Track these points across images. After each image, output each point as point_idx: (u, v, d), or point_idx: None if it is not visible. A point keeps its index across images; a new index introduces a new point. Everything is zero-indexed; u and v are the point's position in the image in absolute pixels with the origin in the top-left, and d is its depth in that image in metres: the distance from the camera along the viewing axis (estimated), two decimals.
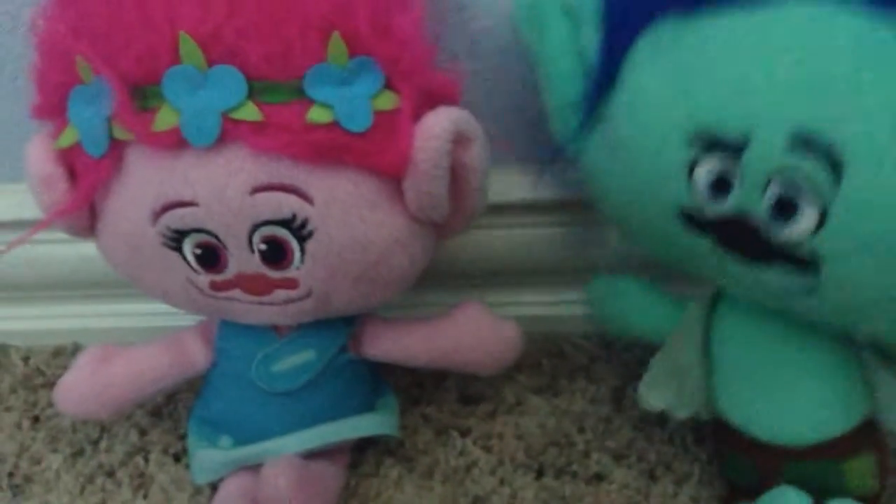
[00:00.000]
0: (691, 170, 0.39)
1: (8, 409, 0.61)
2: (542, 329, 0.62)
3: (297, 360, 0.49)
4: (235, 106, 0.39)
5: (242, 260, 0.43)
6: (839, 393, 0.45)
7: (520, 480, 0.52)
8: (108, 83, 0.40)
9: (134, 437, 0.57)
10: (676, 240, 0.42)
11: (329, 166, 0.41)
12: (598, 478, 0.52)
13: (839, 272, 0.37)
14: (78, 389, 0.51)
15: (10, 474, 0.55)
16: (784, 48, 0.37)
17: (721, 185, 0.39)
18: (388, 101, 0.42)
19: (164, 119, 0.40)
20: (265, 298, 0.45)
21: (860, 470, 0.46)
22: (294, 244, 0.42)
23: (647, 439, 0.54)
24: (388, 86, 0.42)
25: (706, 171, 0.39)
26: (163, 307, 0.60)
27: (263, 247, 0.42)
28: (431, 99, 0.43)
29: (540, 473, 0.53)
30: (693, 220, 0.41)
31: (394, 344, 0.52)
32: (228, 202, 0.41)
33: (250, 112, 0.40)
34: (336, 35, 0.40)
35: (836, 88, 0.36)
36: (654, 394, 0.49)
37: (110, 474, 0.55)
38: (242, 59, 0.39)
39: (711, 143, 0.38)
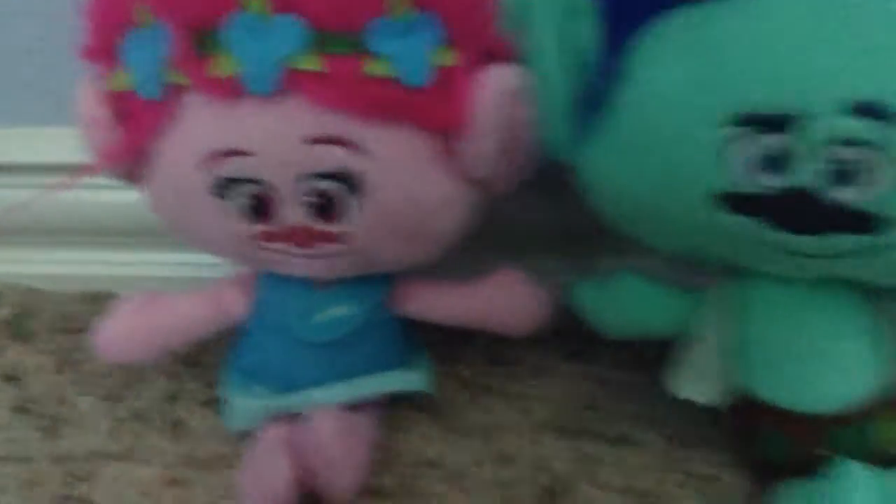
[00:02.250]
0: (733, 150, 0.39)
1: (40, 352, 0.62)
2: (565, 295, 0.63)
3: (337, 312, 0.50)
4: (297, 56, 0.39)
5: (292, 212, 0.43)
6: (873, 351, 0.45)
7: (546, 440, 0.53)
8: (168, 26, 0.40)
9: (165, 384, 0.58)
10: (712, 227, 0.42)
11: (386, 122, 0.41)
12: (623, 440, 0.53)
13: None
14: (118, 334, 0.52)
15: (43, 415, 0.56)
16: (831, 18, 0.36)
17: (772, 162, 0.39)
18: (448, 57, 0.42)
19: (224, 66, 0.40)
20: (311, 251, 0.45)
21: (892, 427, 0.46)
22: (345, 198, 0.43)
23: (671, 406, 0.54)
24: (449, 42, 0.42)
25: (752, 149, 0.39)
26: (194, 257, 0.61)
27: (314, 199, 0.43)
28: (489, 56, 0.43)
29: (565, 434, 0.54)
30: (738, 203, 0.40)
31: (431, 303, 0.53)
32: (284, 152, 0.41)
33: (312, 62, 0.39)
34: None
35: (891, 57, 0.36)
36: (683, 384, 0.49)
37: (141, 419, 0.56)
38: (306, 9, 0.39)
39: (757, 122, 0.38)
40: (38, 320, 0.65)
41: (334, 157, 0.41)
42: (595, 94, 0.44)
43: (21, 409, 0.56)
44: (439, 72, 0.41)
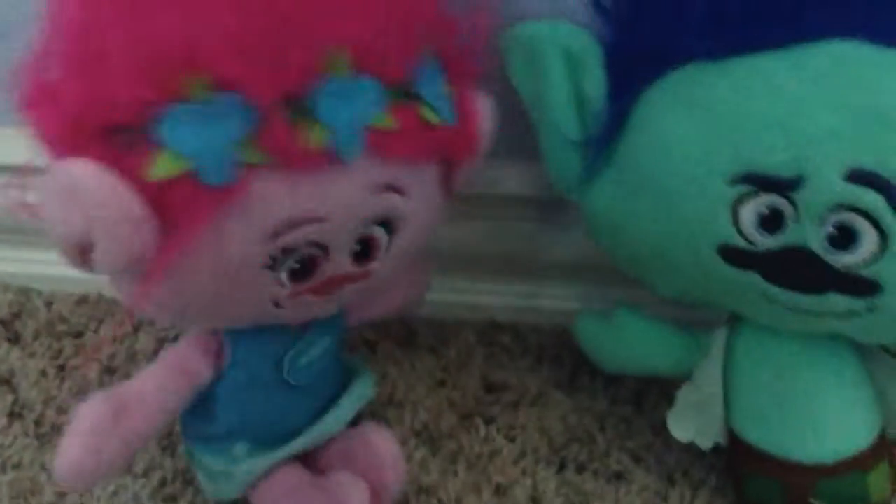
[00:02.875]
0: (735, 207, 0.40)
1: (32, 356, 0.61)
2: (563, 322, 0.63)
3: (319, 348, 0.49)
4: (378, 116, 0.39)
5: (339, 264, 0.42)
6: (864, 405, 0.47)
7: (542, 473, 0.54)
8: (250, 102, 0.36)
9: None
10: (715, 277, 0.43)
11: (426, 162, 0.42)
12: (618, 477, 0.54)
13: None
14: (94, 462, 0.43)
15: (37, 422, 0.56)
16: (834, 85, 0.38)
17: (772, 220, 0.40)
18: (450, 91, 0.44)
19: (317, 135, 0.37)
20: (332, 296, 0.44)
21: (881, 478, 0.48)
22: (384, 240, 0.43)
23: (666, 443, 0.55)
24: (448, 78, 0.44)
25: (756, 207, 0.40)
26: None
27: (358, 247, 0.42)
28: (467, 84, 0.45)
29: (562, 467, 0.54)
30: (738, 256, 0.42)
31: (365, 310, 0.53)
32: (354, 210, 0.40)
33: (387, 120, 0.39)
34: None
35: (891, 127, 0.37)
36: (683, 427, 0.50)
37: None
38: (379, 67, 0.38)
39: (761, 182, 0.39)
40: (31, 321, 0.64)
41: (389, 205, 0.41)
42: (600, 140, 0.45)
43: (14, 415, 0.56)
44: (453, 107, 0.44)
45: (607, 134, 0.45)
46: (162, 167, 0.36)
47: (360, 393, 0.53)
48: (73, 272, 0.67)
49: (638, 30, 0.44)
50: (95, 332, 0.64)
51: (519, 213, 0.63)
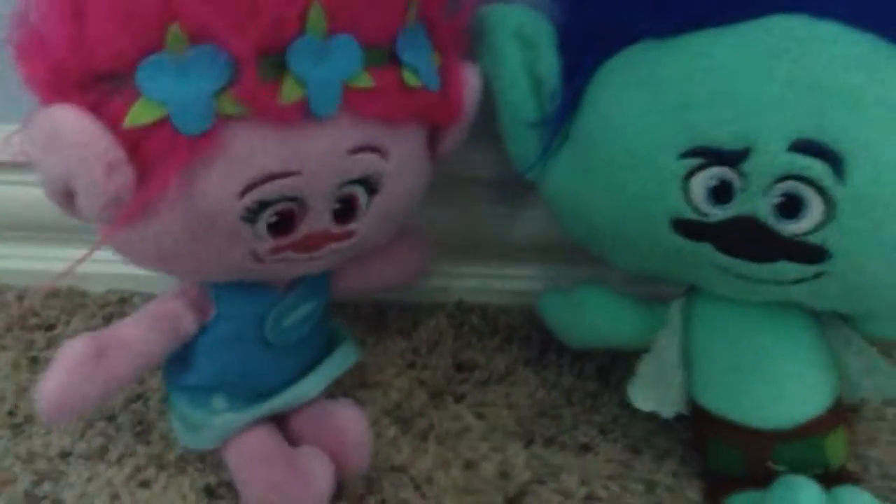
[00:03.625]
0: (686, 181, 0.42)
1: (4, 349, 0.62)
2: (531, 302, 0.65)
3: (303, 311, 0.51)
4: (354, 75, 0.40)
5: (317, 220, 0.43)
6: (819, 371, 0.48)
7: (510, 448, 0.55)
8: (225, 55, 0.37)
9: (133, 384, 0.58)
10: (669, 250, 0.44)
11: (407, 125, 0.44)
12: (585, 449, 0.55)
13: (846, 260, 0.41)
14: (73, 398, 0.45)
15: (10, 413, 0.56)
16: (778, 59, 0.39)
17: (722, 192, 0.41)
18: (436, 58, 0.45)
19: (291, 91, 0.38)
20: (318, 253, 0.45)
21: (837, 443, 0.49)
22: (364, 199, 0.44)
23: (632, 416, 0.57)
24: (436, 46, 0.45)
25: (705, 180, 0.41)
26: None
27: (338, 205, 0.43)
28: (457, 54, 0.47)
29: (530, 442, 0.55)
30: (691, 228, 0.43)
31: (355, 280, 0.54)
32: (330, 167, 0.41)
33: (364, 80, 0.40)
34: (415, 1, 0.42)
35: (837, 99, 0.39)
36: (644, 397, 0.51)
37: (111, 419, 0.56)
38: (357, 27, 0.40)
39: (710, 155, 0.41)
40: (3, 316, 0.65)
41: (369, 164, 0.42)
42: (555, 119, 0.46)
43: None
44: (438, 74, 0.45)
45: (562, 113, 0.46)
46: (138, 114, 0.37)
47: (341, 360, 0.54)
48: (44, 266, 0.68)
49: (588, 10, 0.45)
50: (67, 324, 0.64)
51: (485, 195, 0.64)
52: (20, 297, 0.67)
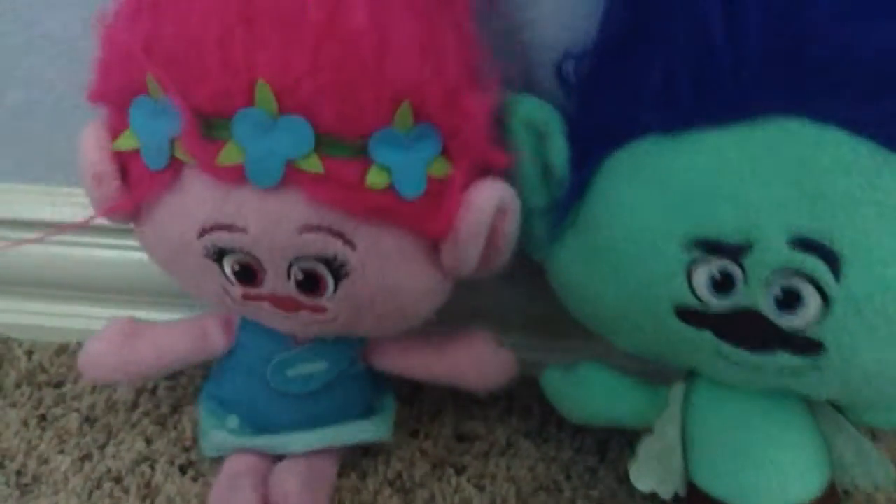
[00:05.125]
0: (689, 271, 0.43)
1: (13, 405, 0.62)
2: (531, 372, 0.66)
3: (311, 368, 0.53)
4: (301, 156, 0.41)
5: (278, 283, 0.46)
6: (814, 455, 0.50)
7: None
8: (177, 109, 0.41)
9: (140, 445, 0.59)
10: (672, 335, 0.46)
11: (371, 221, 0.44)
12: None
13: (839, 354, 0.42)
14: (105, 359, 0.54)
15: (19, 472, 0.57)
16: (778, 158, 0.41)
17: (723, 283, 0.43)
18: (441, 168, 0.44)
19: (230, 155, 0.42)
20: (294, 316, 0.47)
21: None
22: (329, 279, 0.45)
23: (629, 493, 0.57)
24: (445, 153, 0.44)
25: (707, 271, 0.43)
26: (167, 316, 0.62)
27: (300, 276, 0.45)
28: (481, 168, 0.46)
29: None
30: (693, 316, 0.45)
31: (400, 359, 0.56)
32: (277, 237, 0.43)
33: (313, 164, 0.42)
34: (406, 104, 0.42)
35: (835, 201, 0.40)
36: (643, 477, 0.51)
37: (118, 481, 0.56)
38: (314, 113, 0.41)
39: (712, 247, 0.42)
40: (12, 371, 0.65)
41: (324, 245, 0.44)
42: (563, 206, 0.48)
43: None
44: (433, 182, 0.44)
45: (570, 200, 0.48)
46: (122, 142, 0.45)
47: (357, 432, 0.56)
48: (53, 322, 0.69)
49: (598, 104, 0.47)
50: (75, 382, 0.65)
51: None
52: (29, 353, 0.67)
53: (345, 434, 0.55)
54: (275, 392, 0.53)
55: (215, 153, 0.42)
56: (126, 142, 0.45)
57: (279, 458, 0.55)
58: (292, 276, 0.45)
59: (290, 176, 0.42)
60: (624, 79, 0.45)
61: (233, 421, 0.55)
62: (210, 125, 0.42)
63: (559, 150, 0.48)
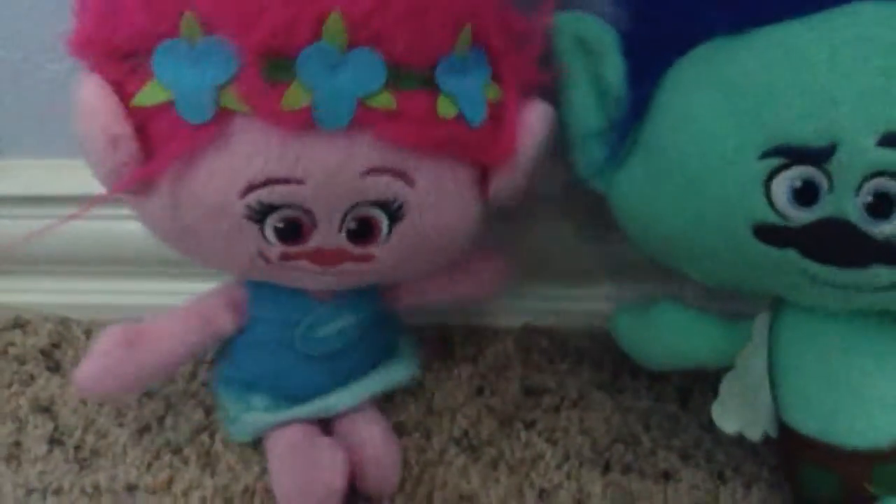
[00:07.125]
0: (767, 183, 0.39)
1: (72, 383, 0.61)
2: (601, 324, 0.62)
3: (339, 324, 0.50)
4: (372, 92, 0.38)
5: (328, 235, 0.42)
6: None
7: (586, 475, 0.52)
8: (231, 48, 0.37)
9: (199, 415, 0.57)
10: (752, 259, 0.42)
11: (440, 155, 0.42)
12: (666, 476, 0.52)
13: None
14: (104, 379, 0.48)
15: (77, 447, 0.56)
16: (867, 46, 0.37)
17: (806, 193, 0.39)
18: (494, 92, 0.43)
19: (295, 97, 0.38)
20: (333, 270, 0.44)
21: None
22: (384, 224, 0.43)
23: (715, 440, 0.54)
24: (496, 77, 0.43)
25: (788, 181, 0.39)
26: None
27: (353, 225, 0.42)
28: (526, 90, 0.44)
29: (606, 469, 0.53)
30: (774, 234, 0.40)
31: (419, 294, 0.54)
32: (339, 184, 0.40)
33: (385, 100, 0.39)
34: (467, 28, 0.40)
35: None
36: (728, 418, 0.48)
37: (177, 451, 0.55)
38: (385, 45, 0.38)
39: (793, 154, 0.38)
40: (70, 351, 0.65)
41: (386, 187, 0.41)
42: (621, 126, 0.45)
43: (55, 441, 0.56)
44: (490, 107, 0.42)
45: (630, 119, 0.45)
46: (146, 96, 0.39)
47: (391, 376, 0.54)
48: (111, 301, 0.69)
49: (654, 11, 0.43)
50: None
51: (551, 213, 0.62)
52: (87, 332, 0.67)
53: (379, 381, 0.53)
54: (303, 357, 0.50)
55: (278, 97, 0.38)
56: (151, 95, 0.39)
57: (321, 423, 0.53)
58: (344, 226, 0.42)
59: (361, 117, 0.39)
60: None
61: (262, 400, 0.52)
62: (271, 66, 0.37)
63: (615, 67, 0.45)
